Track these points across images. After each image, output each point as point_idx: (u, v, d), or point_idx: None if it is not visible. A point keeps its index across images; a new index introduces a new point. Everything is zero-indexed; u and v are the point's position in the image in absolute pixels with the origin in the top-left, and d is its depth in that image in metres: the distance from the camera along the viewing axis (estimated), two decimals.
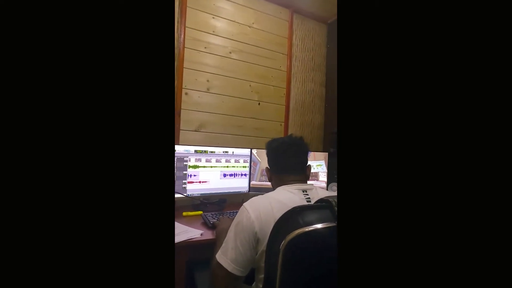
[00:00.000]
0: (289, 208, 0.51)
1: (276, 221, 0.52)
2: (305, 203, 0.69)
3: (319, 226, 0.47)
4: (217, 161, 1.33)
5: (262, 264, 0.61)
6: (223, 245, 0.68)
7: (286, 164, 0.80)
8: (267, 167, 0.87)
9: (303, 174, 0.81)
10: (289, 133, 1.72)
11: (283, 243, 0.47)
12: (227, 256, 0.65)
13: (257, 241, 0.64)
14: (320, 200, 0.52)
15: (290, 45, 1.75)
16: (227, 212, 1.13)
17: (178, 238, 0.87)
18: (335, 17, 1.85)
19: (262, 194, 0.72)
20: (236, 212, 0.71)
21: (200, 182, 1.29)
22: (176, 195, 1.22)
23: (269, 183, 0.88)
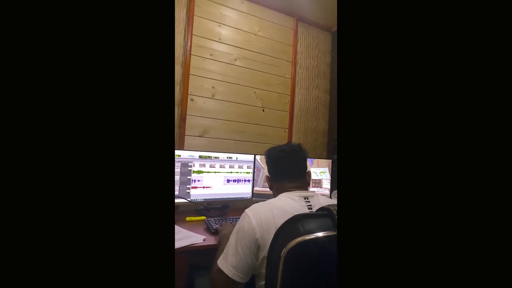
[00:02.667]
0: (291, 215, 0.52)
1: (277, 228, 0.52)
2: (306, 210, 0.70)
3: (319, 234, 0.48)
4: (221, 166, 1.35)
5: (263, 271, 0.61)
6: (224, 250, 0.68)
7: (285, 171, 0.81)
8: (267, 176, 0.87)
9: (303, 180, 0.81)
10: (293, 139, 1.73)
11: (284, 250, 0.47)
12: (227, 262, 0.65)
13: (258, 247, 0.64)
14: (321, 209, 0.53)
15: (295, 53, 1.77)
16: (230, 218, 1.14)
17: (180, 243, 0.88)
18: None
19: (265, 200, 0.73)
20: (239, 217, 0.72)
21: (203, 187, 1.30)
22: (180, 200, 1.23)
23: None
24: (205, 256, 0.90)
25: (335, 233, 0.47)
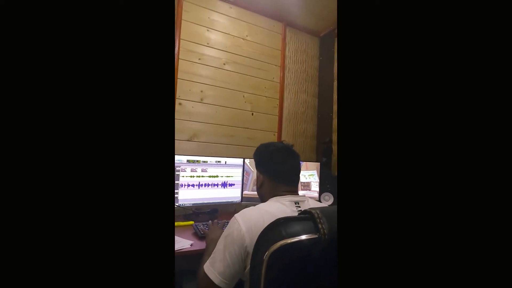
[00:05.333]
0: None
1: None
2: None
3: (302, 237, 0.48)
4: (209, 170, 1.34)
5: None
6: (211, 256, 0.67)
7: (284, 173, 0.78)
8: (258, 173, 0.82)
9: (296, 185, 0.80)
10: None
11: (267, 254, 0.47)
12: (214, 268, 0.64)
13: (247, 255, 0.63)
14: (304, 212, 0.53)
15: (283, 57, 1.79)
16: (219, 222, 1.13)
17: None
18: (327, 31, 1.91)
19: (254, 205, 0.72)
20: (228, 222, 0.71)
21: (192, 191, 1.29)
22: None
23: None
24: (192, 261, 0.89)
25: (316, 236, 0.48)
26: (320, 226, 0.47)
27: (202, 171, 1.32)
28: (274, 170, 0.79)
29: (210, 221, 1.07)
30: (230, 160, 1.41)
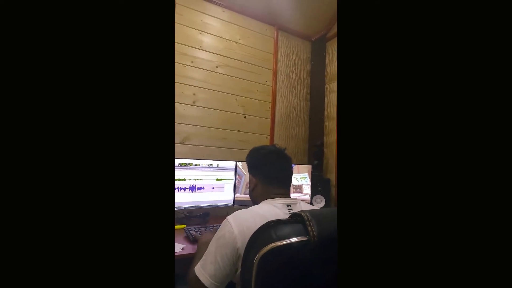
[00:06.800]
0: None
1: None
2: None
3: (292, 240, 0.49)
4: (201, 174, 1.34)
5: None
6: (202, 258, 0.67)
7: (276, 176, 0.79)
8: (251, 175, 0.83)
9: (289, 187, 0.81)
10: None
11: (257, 256, 0.48)
12: (205, 271, 0.64)
13: (238, 257, 0.63)
14: (294, 214, 0.54)
15: (276, 61, 1.80)
16: (210, 226, 1.13)
17: None
18: (319, 35, 1.94)
19: (247, 208, 0.72)
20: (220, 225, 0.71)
21: (184, 195, 1.28)
22: None
23: None
24: (183, 265, 0.88)
25: (306, 238, 0.48)
26: (309, 228, 0.48)
27: (191, 174, 1.31)
28: (266, 173, 0.80)
29: (203, 229, 1.06)
30: (223, 163, 1.40)
